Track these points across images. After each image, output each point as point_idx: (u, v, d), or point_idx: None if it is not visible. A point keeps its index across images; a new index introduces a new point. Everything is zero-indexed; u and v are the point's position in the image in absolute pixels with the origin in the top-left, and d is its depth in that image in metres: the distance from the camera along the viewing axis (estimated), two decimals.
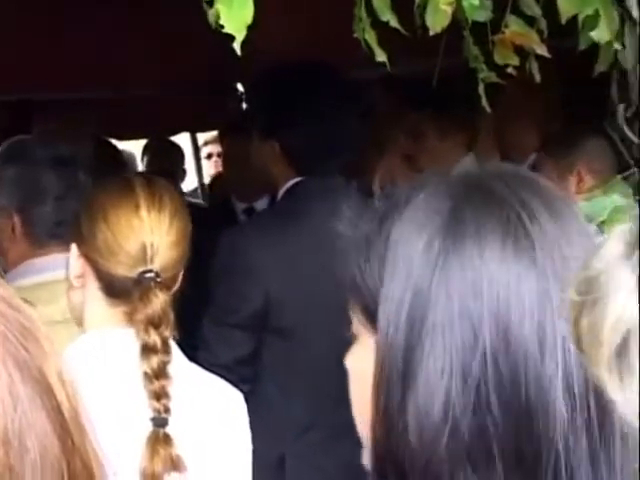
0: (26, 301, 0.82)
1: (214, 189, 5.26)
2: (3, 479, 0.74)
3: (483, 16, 1.70)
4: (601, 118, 2.72)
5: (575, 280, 0.67)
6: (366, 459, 1.08)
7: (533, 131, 3.58)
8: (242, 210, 4.29)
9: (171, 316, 1.77)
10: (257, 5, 1.43)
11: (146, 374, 1.75)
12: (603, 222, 1.56)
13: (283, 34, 3.18)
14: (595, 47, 1.83)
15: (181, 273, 1.85)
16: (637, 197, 1.73)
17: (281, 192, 2.70)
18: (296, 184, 2.65)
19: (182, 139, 5.65)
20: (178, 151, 5.55)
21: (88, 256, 1.82)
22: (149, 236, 1.76)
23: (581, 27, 1.74)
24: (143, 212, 1.77)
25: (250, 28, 1.40)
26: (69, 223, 2.15)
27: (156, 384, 1.75)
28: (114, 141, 4.82)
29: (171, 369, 1.78)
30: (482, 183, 1.03)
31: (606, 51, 1.82)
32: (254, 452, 1.97)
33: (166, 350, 1.76)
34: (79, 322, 1.92)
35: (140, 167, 5.53)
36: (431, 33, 1.67)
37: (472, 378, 0.95)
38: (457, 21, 1.74)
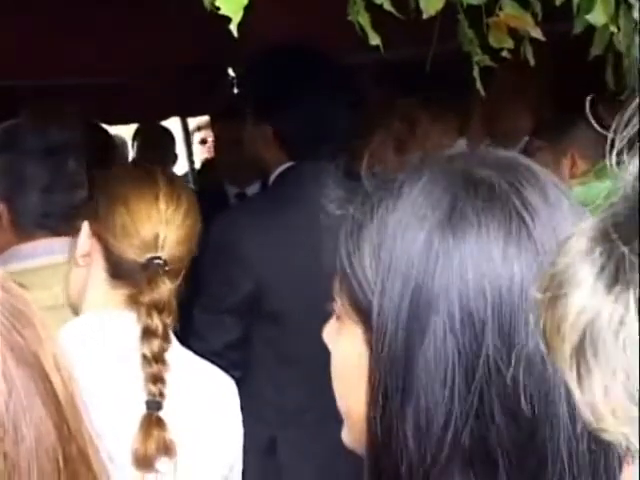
0: (21, 285, 0.81)
1: (204, 173, 5.24)
2: None
3: None
4: (595, 103, 2.71)
5: (541, 277, 0.66)
6: (345, 435, 1.08)
7: (526, 114, 3.57)
8: (234, 195, 4.28)
9: (174, 306, 1.82)
10: None
11: (145, 356, 1.79)
12: (597, 207, 1.55)
13: (275, 18, 3.16)
14: (589, 31, 1.83)
15: (184, 269, 1.90)
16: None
17: (272, 177, 2.69)
18: (288, 169, 2.65)
19: (173, 124, 5.62)
20: (169, 136, 5.53)
21: (100, 236, 1.88)
22: (163, 227, 1.84)
23: (576, 10, 1.73)
24: (162, 205, 1.85)
25: (245, 10, 1.38)
26: (56, 214, 2.16)
27: (154, 367, 1.79)
28: (105, 126, 4.79)
29: (167, 356, 1.81)
30: (481, 175, 0.99)
31: (601, 34, 1.81)
32: (245, 436, 1.98)
33: (166, 336, 1.81)
34: (74, 303, 1.95)
35: (131, 152, 5.50)
36: (425, 16, 1.66)
37: (475, 383, 0.92)
38: (451, 4, 1.72)
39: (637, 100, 0.68)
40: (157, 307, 1.80)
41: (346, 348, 1.03)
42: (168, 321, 1.81)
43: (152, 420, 1.78)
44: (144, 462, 1.77)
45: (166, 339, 1.81)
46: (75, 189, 2.28)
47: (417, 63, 2.56)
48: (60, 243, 2.17)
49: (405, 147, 3.32)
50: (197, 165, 5.59)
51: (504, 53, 1.81)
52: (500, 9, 1.75)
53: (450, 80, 3.09)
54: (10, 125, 2.45)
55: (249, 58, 2.81)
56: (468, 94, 2.36)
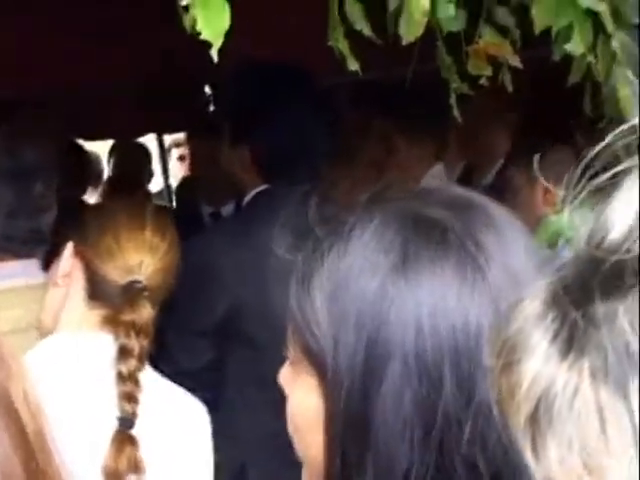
0: None
1: (182, 191, 5.22)
2: None
3: (457, 26, 1.69)
4: (573, 129, 2.71)
5: (493, 340, 0.63)
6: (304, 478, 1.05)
7: (503, 140, 3.59)
8: (208, 214, 4.26)
9: (152, 330, 1.87)
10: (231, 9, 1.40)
11: (120, 374, 1.83)
12: (570, 239, 1.55)
13: (253, 37, 3.15)
14: (568, 58, 1.83)
15: (161, 298, 1.96)
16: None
17: (246, 199, 2.67)
18: (262, 192, 2.63)
19: (150, 141, 5.61)
20: (145, 152, 5.51)
21: (84, 256, 1.93)
22: (147, 254, 1.92)
23: (555, 38, 1.73)
24: (148, 234, 1.94)
25: (226, 35, 1.37)
26: (19, 238, 2.15)
27: (129, 385, 1.83)
28: (81, 141, 4.77)
29: (140, 377, 1.85)
30: (434, 217, 0.96)
31: (579, 63, 1.81)
32: (216, 460, 1.97)
33: (141, 358, 1.85)
34: (47, 326, 1.97)
35: (106, 169, 5.48)
36: (404, 42, 1.65)
37: (434, 434, 0.89)
38: (430, 28, 1.72)
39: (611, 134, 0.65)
40: (135, 328, 1.84)
41: (301, 398, 1.01)
42: (145, 343, 1.85)
43: (124, 437, 1.81)
44: (114, 478, 1.80)
45: (141, 361, 1.85)
46: (40, 213, 2.26)
47: (395, 84, 2.55)
48: (22, 266, 2.16)
49: (382, 171, 3.31)
50: (177, 182, 5.57)
51: (482, 80, 1.81)
52: (479, 36, 1.75)
53: (428, 102, 3.09)
54: None
55: (226, 76, 2.79)
56: (446, 117, 2.35)
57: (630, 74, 1.73)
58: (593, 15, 1.72)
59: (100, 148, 5.72)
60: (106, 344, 1.86)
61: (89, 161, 4.87)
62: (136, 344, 1.84)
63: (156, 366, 1.97)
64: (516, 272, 0.94)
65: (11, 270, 2.21)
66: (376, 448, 0.91)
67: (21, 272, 2.14)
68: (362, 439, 0.91)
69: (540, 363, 0.58)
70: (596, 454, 0.55)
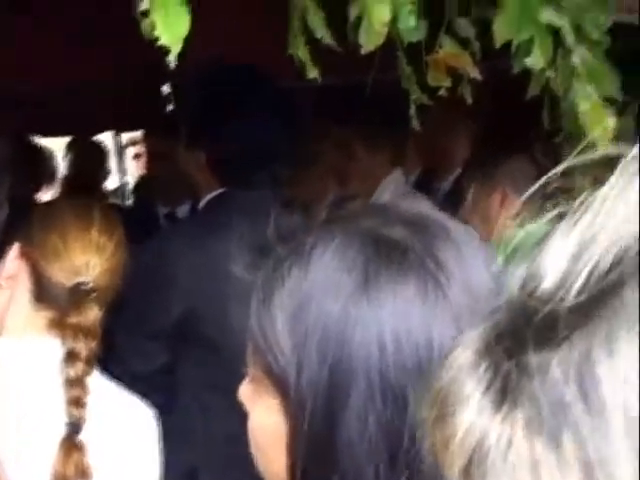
0: None
1: (139, 190, 5.18)
2: None
3: (417, 36, 1.68)
4: (531, 141, 2.73)
5: (426, 390, 0.61)
6: None
7: (461, 149, 3.60)
8: (163, 215, 4.23)
9: (99, 332, 1.85)
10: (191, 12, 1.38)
11: (67, 379, 1.81)
12: (530, 251, 1.54)
13: (213, 39, 3.13)
14: (528, 70, 1.83)
15: (108, 299, 1.92)
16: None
17: (203, 202, 2.65)
18: (219, 195, 2.61)
19: (107, 138, 5.56)
20: (100, 150, 5.46)
21: (30, 257, 1.89)
22: (93, 255, 1.88)
23: (515, 52, 1.73)
24: (95, 234, 1.90)
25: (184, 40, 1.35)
26: None
27: (76, 390, 1.80)
28: (37, 138, 4.72)
29: (88, 381, 1.83)
30: (394, 237, 0.95)
31: (539, 77, 1.81)
32: (166, 463, 1.95)
33: (89, 361, 1.83)
34: None
35: (61, 165, 5.42)
36: (363, 52, 1.64)
37: (401, 458, 0.88)
38: (391, 37, 1.71)
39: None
40: (82, 330, 1.82)
41: (263, 417, 1.00)
42: (93, 346, 1.83)
43: (72, 443, 1.80)
44: None
45: (89, 364, 1.83)
46: None
47: (356, 91, 2.55)
48: None
49: (341, 176, 3.31)
50: (134, 180, 5.53)
51: (442, 92, 1.81)
52: (440, 47, 1.75)
53: (387, 110, 3.09)
54: None
55: (183, 76, 2.77)
56: (405, 125, 2.35)
57: (590, 89, 1.73)
58: (554, 30, 1.72)
59: (55, 145, 5.66)
60: (53, 348, 1.83)
61: (43, 158, 4.81)
62: (83, 347, 1.81)
63: (107, 369, 1.95)
64: (476, 288, 0.94)
65: None
66: (342, 470, 0.90)
67: None
68: (327, 460, 0.90)
69: (473, 415, 0.56)
70: None
